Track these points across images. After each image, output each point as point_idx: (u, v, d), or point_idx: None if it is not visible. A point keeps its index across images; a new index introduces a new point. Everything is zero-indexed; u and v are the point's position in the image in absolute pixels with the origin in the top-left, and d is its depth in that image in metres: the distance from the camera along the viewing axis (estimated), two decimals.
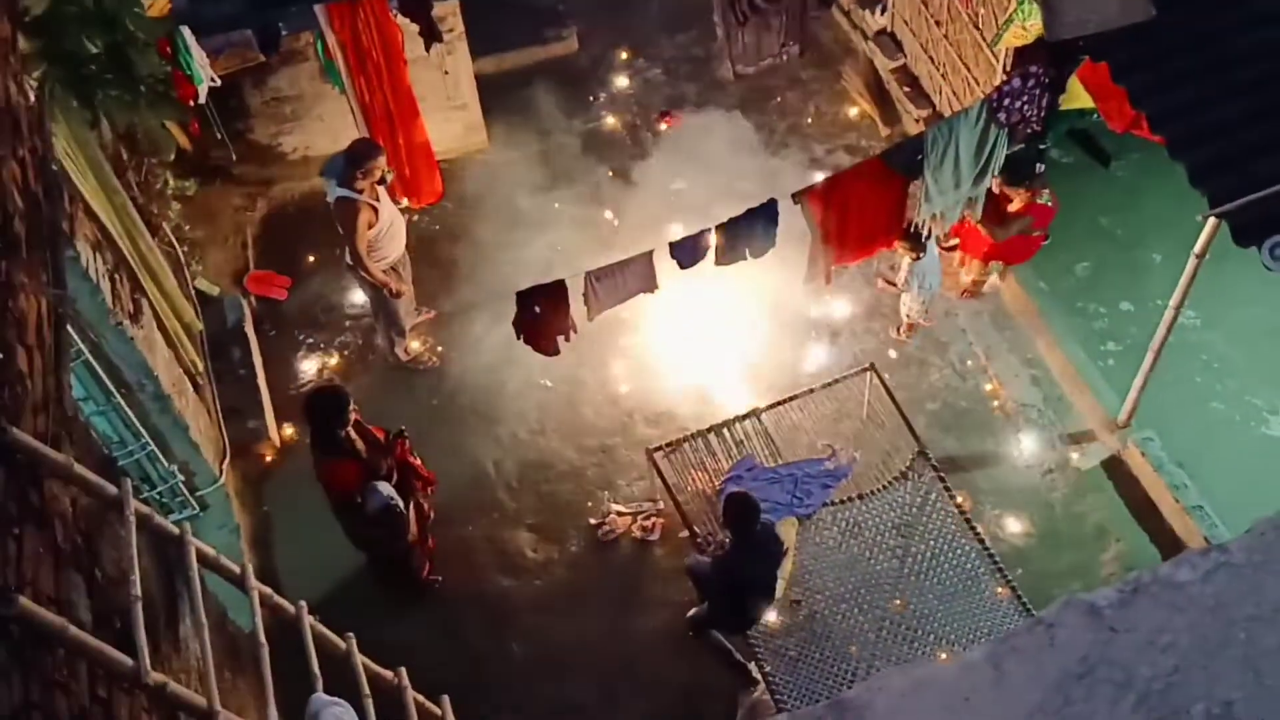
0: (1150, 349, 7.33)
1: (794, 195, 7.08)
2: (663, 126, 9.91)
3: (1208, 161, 5.67)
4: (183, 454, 7.26)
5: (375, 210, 7.58)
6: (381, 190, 7.72)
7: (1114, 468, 7.88)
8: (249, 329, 8.61)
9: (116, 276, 6.65)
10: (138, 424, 6.76)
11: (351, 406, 6.52)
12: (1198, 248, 6.63)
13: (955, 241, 8.58)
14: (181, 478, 7.18)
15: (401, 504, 6.67)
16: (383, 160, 7.59)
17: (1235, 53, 5.98)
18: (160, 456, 7.01)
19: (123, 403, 6.57)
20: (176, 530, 3.93)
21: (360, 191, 7.45)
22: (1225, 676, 0.99)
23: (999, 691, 1.01)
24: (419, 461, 7.07)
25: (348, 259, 7.80)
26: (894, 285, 8.43)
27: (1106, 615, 1.06)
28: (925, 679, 1.09)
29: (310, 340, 8.79)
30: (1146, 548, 7.52)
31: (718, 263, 7.25)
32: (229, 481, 7.79)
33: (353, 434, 6.58)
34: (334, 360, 8.69)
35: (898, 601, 7.17)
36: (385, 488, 6.58)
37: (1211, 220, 6.04)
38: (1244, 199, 5.41)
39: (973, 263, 8.60)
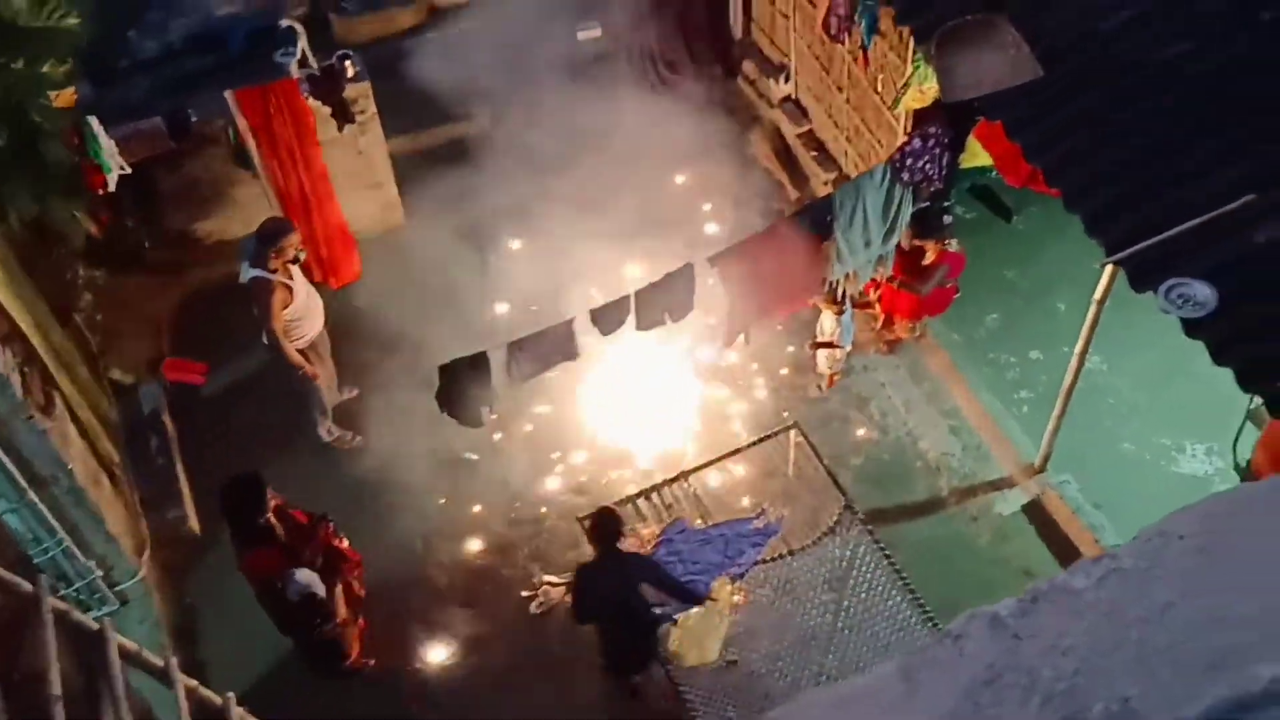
0: (1060, 395, 7.56)
1: (710, 258, 7.22)
2: (576, 195, 10.04)
3: (1101, 211, 5.89)
4: (100, 548, 7.07)
5: (289, 289, 7.55)
6: (295, 269, 7.69)
7: (1034, 512, 8.05)
8: (166, 417, 8.48)
9: (27, 369, 6.53)
10: (52, 520, 6.58)
11: (269, 493, 6.40)
12: (1098, 295, 6.88)
13: (871, 297, 8.78)
14: (100, 573, 6.97)
15: (322, 591, 6.53)
16: (295, 238, 7.57)
17: (1120, 106, 6.25)
18: (77, 552, 6.81)
19: (36, 499, 6.41)
20: (96, 626, 3.85)
21: (273, 271, 7.43)
22: (1122, 675, 1.05)
23: (914, 702, 1.06)
24: (345, 544, 6.97)
25: (264, 340, 7.74)
26: (830, 345, 8.54)
27: (1010, 624, 1.12)
28: (846, 695, 1.13)
29: (230, 425, 8.67)
30: None
31: (638, 328, 7.34)
32: (149, 574, 7.60)
33: (273, 520, 6.47)
34: (255, 444, 8.57)
35: (831, 656, 7.20)
36: (304, 575, 6.44)
37: (1110, 267, 6.27)
38: (1137, 246, 5.63)
39: (902, 321, 8.82)
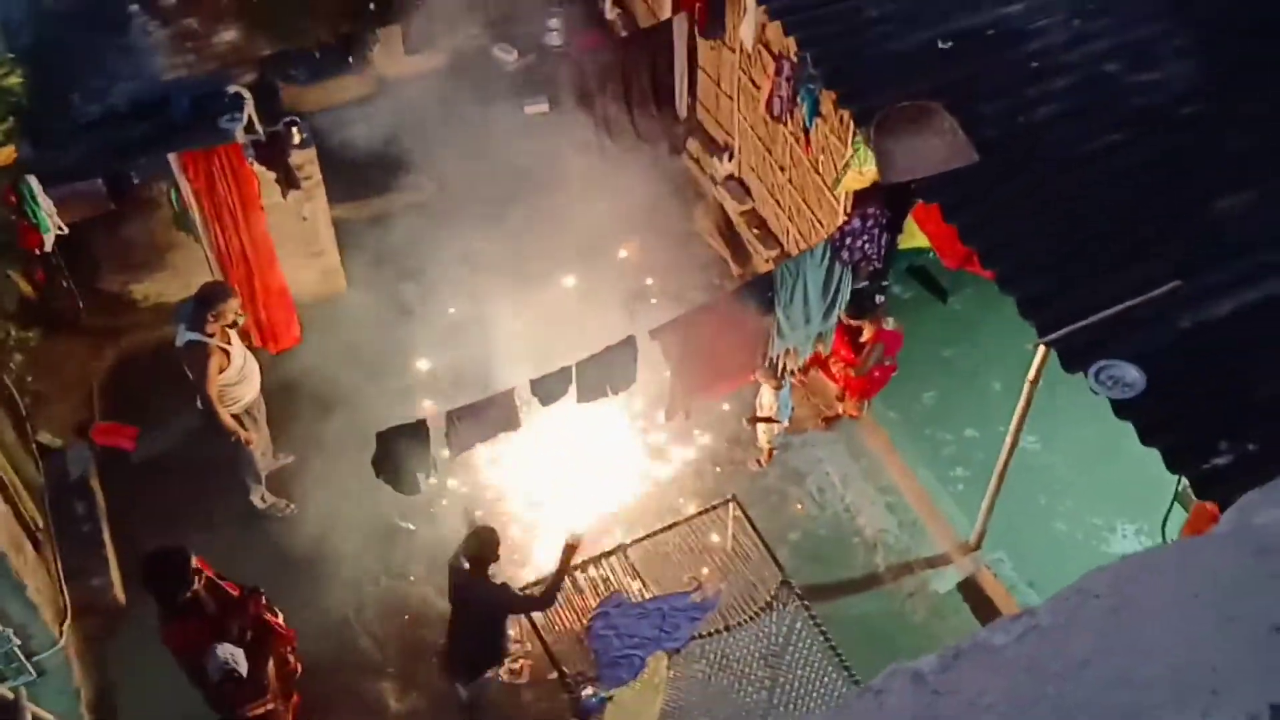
0: (995, 473, 7.66)
1: (652, 332, 7.28)
2: (519, 266, 10.09)
3: (1034, 294, 6.03)
4: (19, 616, 6.87)
5: (226, 354, 7.47)
6: (233, 334, 7.62)
7: (970, 589, 8.10)
8: (94, 482, 8.30)
9: None
10: None
11: (194, 564, 6.20)
12: (1031, 375, 7.01)
13: (835, 370, 8.85)
14: (17, 641, 6.77)
15: (244, 668, 6.30)
16: (235, 303, 7.51)
17: (1054, 192, 6.44)
18: None
19: None
20: (11, 696, 3.73)
21: (211, 335, 7.35)
22: None
23: None
24: (278, 619, 6.78)
25: (199, 404, 7.63)
26: (769, 419, 8.59)
27: (930, 680, 1.13)
28: None
29: (161, 492, 8.49)
30: None
31: (579, 400, 7.35)
32: (70, 644, 7.38)
33: (201, 593, 6.29)
34: (186, 511, 8.39)
35: None
36: (224, 650, 6.19)
37: (1042, 348, 6.41)
38: (1068, 328, 5.77)
39: (851, 399, 8.92)
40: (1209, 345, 5.58)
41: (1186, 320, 5.67)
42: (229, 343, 7.52)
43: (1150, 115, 6.69)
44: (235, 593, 6.55)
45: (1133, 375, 5.48)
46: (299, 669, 7.01)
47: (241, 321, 7.83)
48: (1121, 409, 5.43)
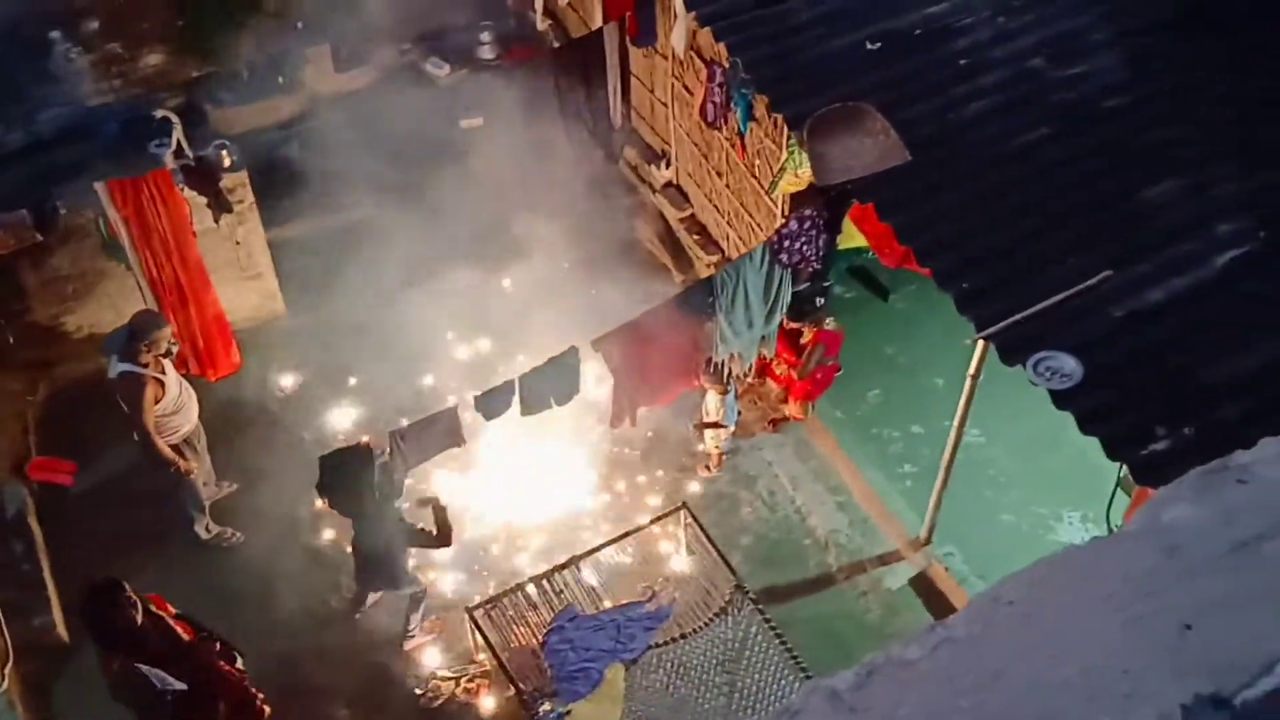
0: (941, 468, 7.72)
1: (593, 342, 7.25)
2: (459, 282, 10.03)
3: (971, 289, 6.08)
4: None
5: (161, 384, 7.33)
6: (168, 363, 7.48)
7: (922, 585, 8.16)
8: (32, 520, 8.11)
9: None
10: None
11: (129, 597, 6.01)
12: (971, 369, 7.08)
13: (779, 372, 8.87)
14: None
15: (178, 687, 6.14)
16: (167, 331, 7.37)
17: (986, 188, 6.51)
18: None
19: None
20: None
21: (144, 365, 7.21)
22: None
23: None
24: (234, 664, 6.59)
25: (136, 437, 7.49)
26: (716, 425, 8.59)
27: (846, 697, 1.12)
28: None
29: (102, 526, 8.31)
30: None
31: (523, 413, 7.31)
32: (12, 687, 7.20)
33: (142, 628, 6.06)
34: (128, 545, 8.22)
35: None
36: (154, 672, 6.04)
37: (981, 343, 6.47)
38: (1005, 322, 5.83)
39: (796, 402, 8.94)
40: (1143, 334, 5.66)
41: (1120, 310, 5.75)
42: (163, 372, 7.38)
43: (1076, 109, 6.78)
44: (189, 636, 6.39)
45: (1070, 366, 5.55)
46: (265, 711, 6.84)
47: (176, 350, 7.69)
48: (1060, 400, 5.49)
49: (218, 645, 6.50)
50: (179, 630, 6.35)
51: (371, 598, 7.81)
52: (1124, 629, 1.12)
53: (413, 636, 7.74)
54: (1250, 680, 1.06)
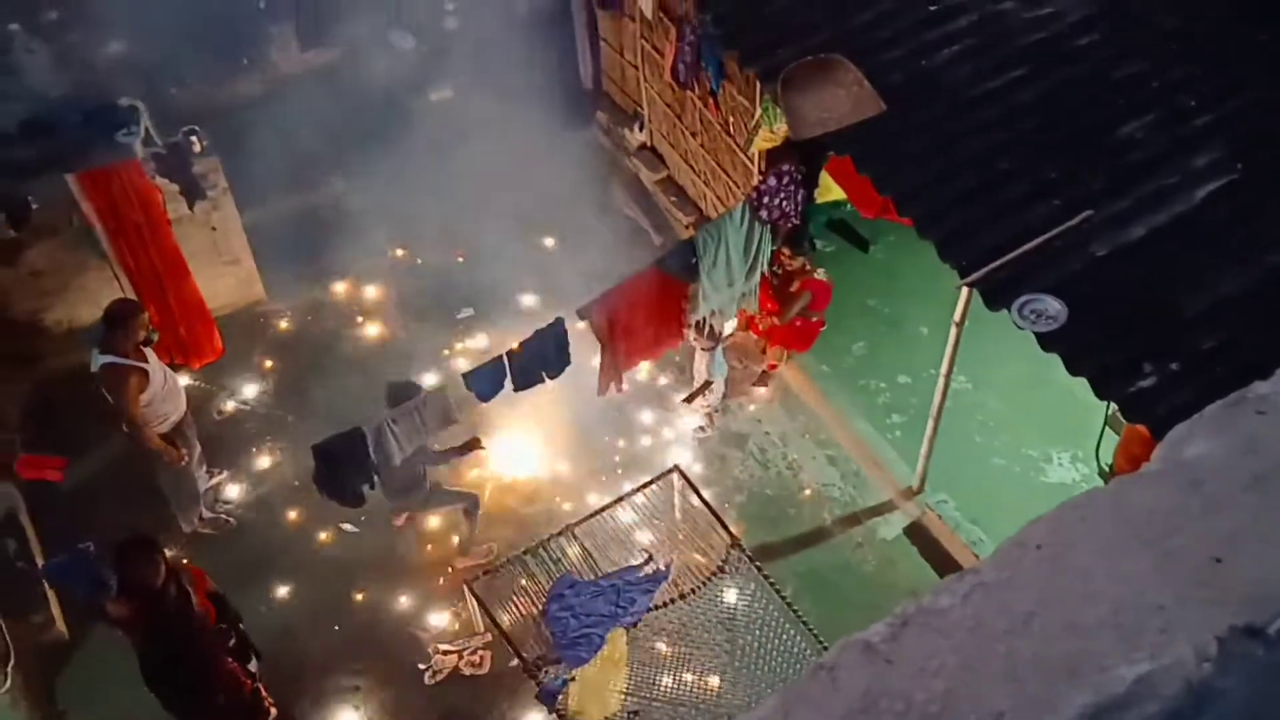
0: (931, 416, 7.76)
1: (578, 310, 7.24)
2: (438, 256, 10.00)
3: (952, 236, 6.10)
4: None
5: (145, 373, 7.27)
6: (150, 351, 7.42)
7: (916, 533, 8.22)
8: (23, 518, 8.06)
9: None
10: None
11: (152, 558, 6.07)
12: (956, 316, 7.10)
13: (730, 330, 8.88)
14: None
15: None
16: (143, 318, 7.30)
17: (961, 133, 6.51)
18: None
19: None
20: None
21: (125, 355, 7.15)
22: (992, 690, 1.07)
23: None
24: (241, 666, 6.61)
25: (124, 428, 7.44)
26: (707, 384, 8.61)
27: (881, 650, 1.13)
28: None
29: (94, 521, 8.27)
30: None
31: (516, 388, 7.31)
32: (15, 686, 7.18)
33: (163, 591, 6.07)
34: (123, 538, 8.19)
35: (731, 696, 7.20)
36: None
37: (965, 289, 6.49)
38: (988, 267, 5.85)
39: (772, 349, 8.95)
40: (1125, 271, 5.69)
41: (1101, 248, 5.78)
42: (145, 360, 7.32)
43: (1048, 48, 6.78)
44: (206, 619, 6.36)
45: (1055, 307, 5.57)
46: (271, 712, 6.87)
47: (156, 338, 7.62)
48: (1047, 341, 5.52)
49: (232, 640, 6.48)
50: (199, 610, 6.33)
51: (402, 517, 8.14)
52: (1154, 566, 1.13)
53: (473, 549, 8.06)
54: None
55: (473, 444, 7.67)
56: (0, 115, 9.64)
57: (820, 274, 8.42)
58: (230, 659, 6.49)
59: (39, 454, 8.55)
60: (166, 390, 7.48)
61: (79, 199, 7.76)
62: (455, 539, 8.17)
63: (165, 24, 9.60)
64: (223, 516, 8.33)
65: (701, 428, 8.87)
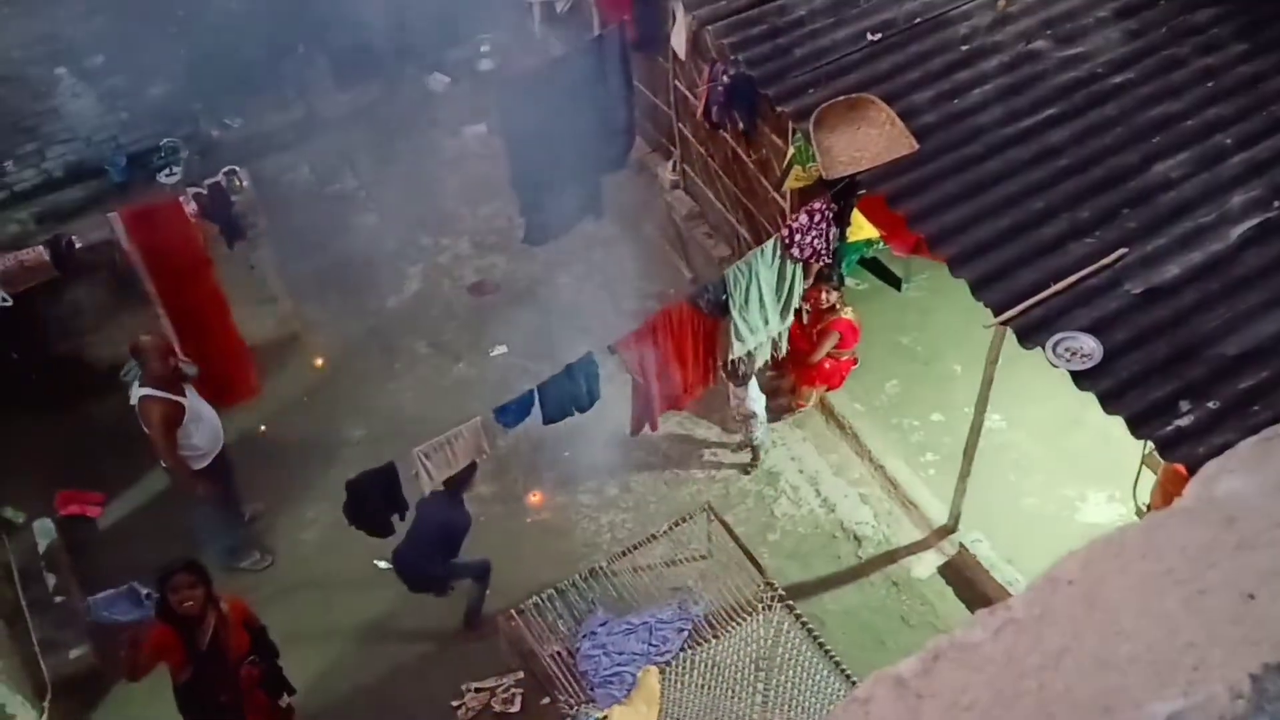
0: (964, 455, 7.72)
1: (610, 346, 7.27)
2: (483, 295, 10.08)
3: (985, 274, 6.08)
4: None
5: (180, 406, 7.37)
6: (190, 387, 7.52)
7: (951, 572, 8.14)
8: (62, 553, 8.15)
9: None
10: None
11: (189, 582, 6.08)
12: (989, 355, 7.07)
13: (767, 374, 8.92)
14: None
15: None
16: (161, 347, 7.41)
17: (995, 172, 6.51)
18: None
19: None
20: None
21: (160, 388, 7.26)
22: None
23: None
24: (270, 700, 6.64)
25: (163, 464, 7.54)
26: (751, 417, 8.65)
27: (912, 684, 1.13)
28: None
29: (132, 556, 8.35)
30: None
31: (545, 422, 7.33)
32: (53, 718, 7.24)
33: (200, 619, 6.12)
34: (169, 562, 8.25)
35: None
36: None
37: (998, 327, 6.46)
38: (1022, 305, 5.83)
39: (800, 388, 8.96)
40: (1161, 309, 5.65)
41: (1137, 286, 5.75)
42: (182, 395, 7.42)
43: (1082, 87, 6.78)
44: (243, 648, 6.39)
45: (1090, 345, 5.54)
46: None
47: (191, 372, 7.70)
48: (1081, 380, 5.48)
49: (258, 672, 6.50)
50: (236, 642, 6.36)
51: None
52: (1186, 603, 1.13)
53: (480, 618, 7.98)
54: None
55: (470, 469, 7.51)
56: (48, 158, 9.89)
57: (847, 313, 8.43)
58: (263, 693, 6.52)
59: (78, 490, 8.68)
60: (202, 426, 7.57)
61: (121, 238, 7.90)
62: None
63: (206, 67, 9.83)
64: (256, 553, 8.38)
65: (750, 464, 8.87)
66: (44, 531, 8.18)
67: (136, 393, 7.30)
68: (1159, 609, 1.13)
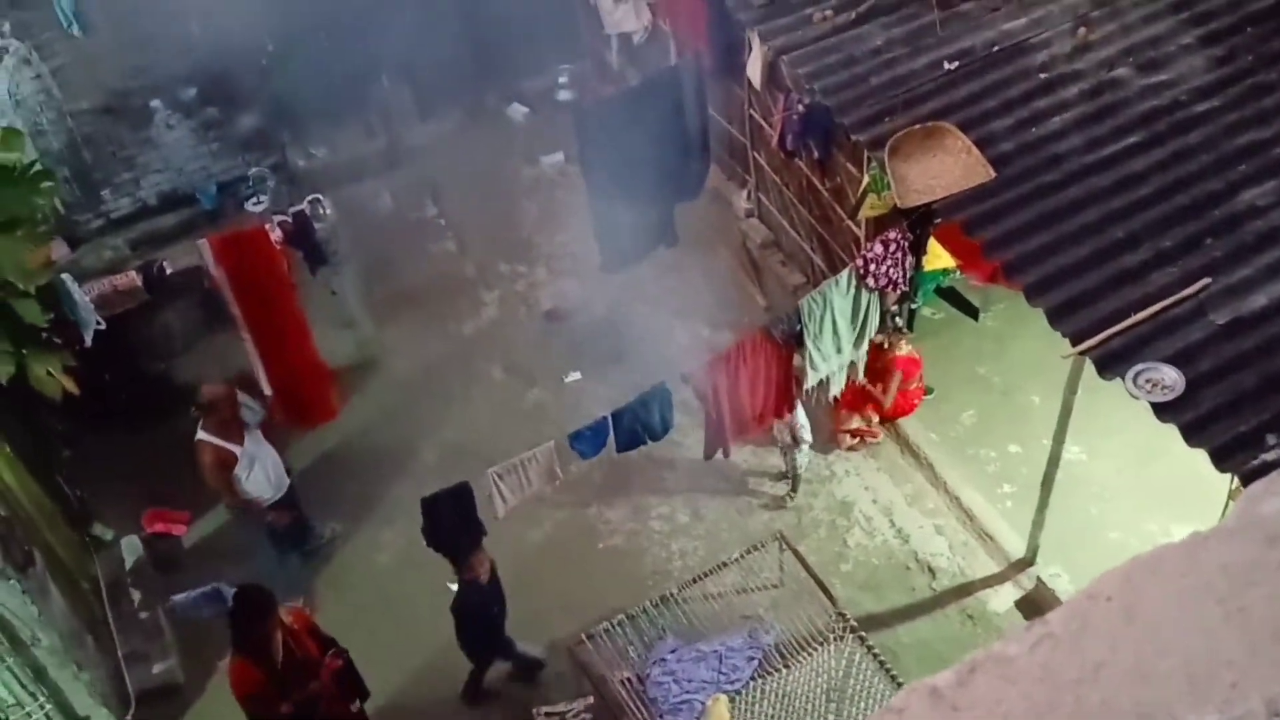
0: (1042, 487, 7.59)
1: (683, 375, 7.30)
2: (558, 322, 10.19)
3: (1063, 304, 6.01)
4: (84, 709, 6.93)
5: (232, 454, 7.54)
6: (255, 433, 7.69)
7: (1028, 606, 7.99)
8: (149, 570, 8.38)
9: (6, 529, 6.48)
10: (32, 682, 6.46)
11: (273, 610, 6.24)
12: (1069, 385, 6.96)
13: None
14: None
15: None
16: (225, 398, 7.59)
17: (1074, 200, 6.43)
18: (59, 715, 6.68)
19: (14, 661, 6.29)
20: None
21: (216, 434, 7.47)
22: None
23: None
24: (345, 704, 6.75)
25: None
26: (798, 444, 8.61)
27: (948, 695, 1.14)
28: None
29: (216, 574, 8.54)
30: None
31: (618, 450, 7.37)
32: None
33: (274, 640, 6.25)
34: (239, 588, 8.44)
35: None
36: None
37: (1077, 357, 6.37)
38: (1101, 335, 5.74)
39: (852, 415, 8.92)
40: (1247, 340, 5.53)
41: (1221, 317, 5.64)
42: (239, 441, 7.59)
43: (1165, 115, 6.68)
44: (314, 652, 6.52)
45: (1172, 376, 5.44)
46: None
47: (260, 417, 7.90)
48: (1163, 412, 5.38)
49: (341, 663, 6.60)
50: (308, 645, 6.49)
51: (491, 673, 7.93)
52: (1226, 619, 1.12)
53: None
54: None
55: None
56: (143, 187, 10.25)
57: (905, 349, 8.39)
58: (340, 696, 6.64)
59: (164, 509, 8.91)
60: (255, 473, 7.71)
61: (209, 263, 8.14)
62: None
63: (294, 99, 10.11)
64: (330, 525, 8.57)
65: (789, 494, 8.81)
66: (131, 548, 8.42)
67: (198, 434, 7.55)
68: (1198, 625, 1.13)
